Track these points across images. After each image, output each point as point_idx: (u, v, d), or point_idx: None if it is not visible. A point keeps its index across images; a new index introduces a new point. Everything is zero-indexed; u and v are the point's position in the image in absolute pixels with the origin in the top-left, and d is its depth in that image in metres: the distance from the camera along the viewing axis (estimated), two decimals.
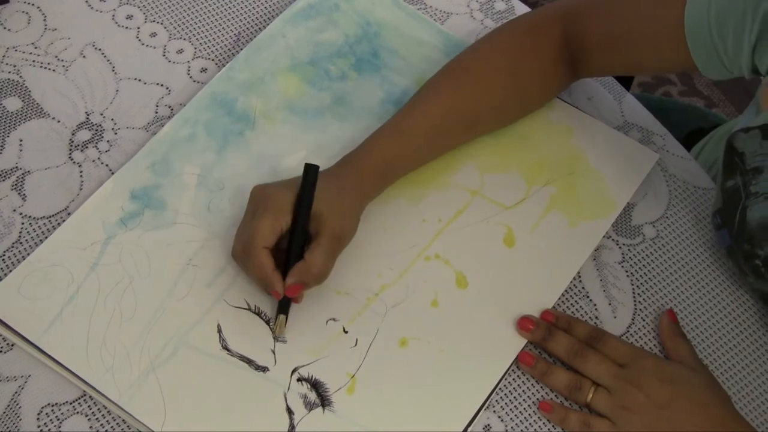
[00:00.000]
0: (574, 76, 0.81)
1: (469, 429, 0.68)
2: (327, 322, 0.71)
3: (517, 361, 0.71)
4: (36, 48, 0.81)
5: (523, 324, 0.71)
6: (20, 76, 0.80)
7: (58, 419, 0.65)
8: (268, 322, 0.70)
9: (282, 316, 0.68)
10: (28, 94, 0.79)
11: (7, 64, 0.80)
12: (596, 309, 0.75)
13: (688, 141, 0.99)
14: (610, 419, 0.68)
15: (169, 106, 0.80)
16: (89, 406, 0.66)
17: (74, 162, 0.76)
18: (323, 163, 0.75)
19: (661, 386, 0.67)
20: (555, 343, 0.71)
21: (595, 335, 0.71)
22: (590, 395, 0.68)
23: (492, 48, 0.78)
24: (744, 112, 0.74)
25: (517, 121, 0.81)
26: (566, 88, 0.83)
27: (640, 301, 0.76)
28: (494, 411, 0.70)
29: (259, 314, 0.70)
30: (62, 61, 0.81)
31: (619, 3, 0.74)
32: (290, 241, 0.68)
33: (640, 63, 0.77)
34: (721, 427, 0.66)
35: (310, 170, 0.69)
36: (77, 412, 0.66)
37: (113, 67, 0.82)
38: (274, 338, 0.69)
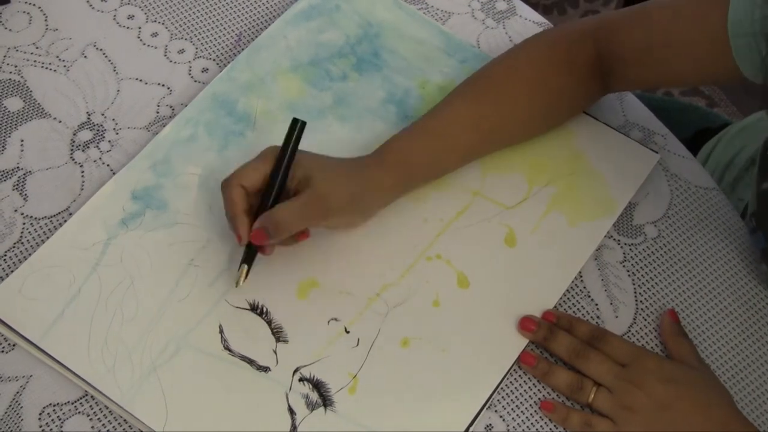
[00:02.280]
0: (605, 90, 0.80)
1: (471, 429, 0.68)
2: (329, 322, 0.71)
3: (519, 361, 0.71)
4: (37, 48, 0.81)
5: (525, 324, 0.71)
6: (21, 77, 0.80)
7: (59, 419, 0.66)
8: (270, 323, 0.70)
9: (244, 266, 0.68)
10: (30, 95, 0.79)
11: (8, 64, 0.80)
12: (598, 309, 0.75)
13: (696, 141, 0.99)
14: (611, 419, 0.68)
15: (171, 107, 0.80)
16: (91, 406, 0.66)
17: (76, 162, 0.76)
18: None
19: (663, 386, 0.67)
20: (556, 343, 0.71)
21: (597, 335, 0.71)
22: (592, 395, 0.68)
23: (521, 59, 0.77)
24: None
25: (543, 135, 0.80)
26: (596, 102, 0.82)
27: (641, 301, 0.76)
28: (496, 411, 0.70)
29: (261, 314, 0.70)
30: (63, 61, 0.81)
31: (657, 13, 0.73)
32: (265, 189, 0.68)
33: (680, 74, 0.75)
34: (723, 428, 0.66)
35: (294, 122, 0.69)
36: (79, 412, 0.66)
37: (114, 67, 0.82)
38: (236, 284, 0.69)
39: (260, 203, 0.68)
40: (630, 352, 0.70)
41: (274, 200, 0.68)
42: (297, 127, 0.70)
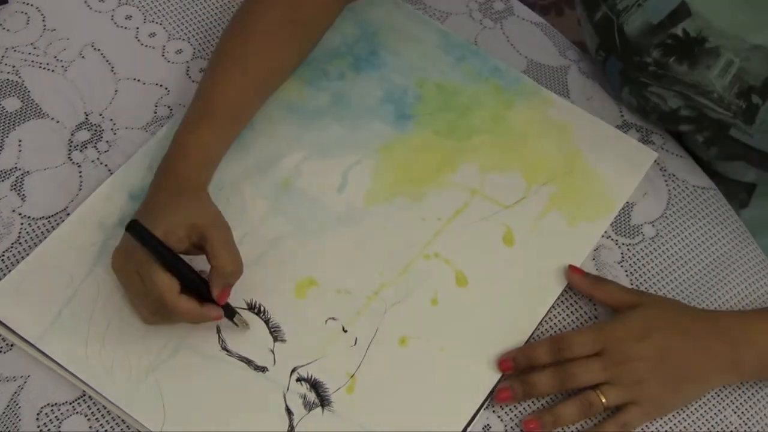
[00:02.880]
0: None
1: (469, 429, 0.68)
2: (326, 321, 0.71)
3: (495, 399, 0.69)
4: (35, 48, 0.81)
5: (501, 396, 0.69)
6: (19, 77, 0.80)
7: (57, 419, 0.65)
8: (267, 322, 0.70)
9: (237, 316, 0.68)
10: (27, 95, 0.79)
11: (6, 64, 0.80)
12: (595, 308, 0.75)
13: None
14: (630, 402, 0.67)
15: (168, 107, 0.80)
16: (89, 406, 0.66)
17: (73, 162, 0.76)
18: (324, 164, 0.75)
19: (646, 342, 0.68)
20: (536, 389, 0.68)
21: (557, 347, 0.69)
22: (603, 399, 0.67)
23: (256, 5, 0.77)
24: None
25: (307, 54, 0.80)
26: (341, 11, 0.81)
27: None
28: (494, 411, 0.70)
29: (258, 314, 0.70)
30: (61, 61, 0.81)
31: None
32: (179, 275, 0.64)
33: None
34: (710, 338, 0.69)
35: (132, 227, 0.64)
36: (77, 412, 0.66)
37: (112, 67, 0.82)
38: (246, 327, 0.69)
39: (185, 285, 0.65)
40: (595, 338, 0.68)
41: (192, 273, 0.65)
42: (138, 231, 0.64)
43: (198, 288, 0.65)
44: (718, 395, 0.72)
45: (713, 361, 0.69)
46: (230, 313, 0.68)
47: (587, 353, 0.68)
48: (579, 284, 0.74)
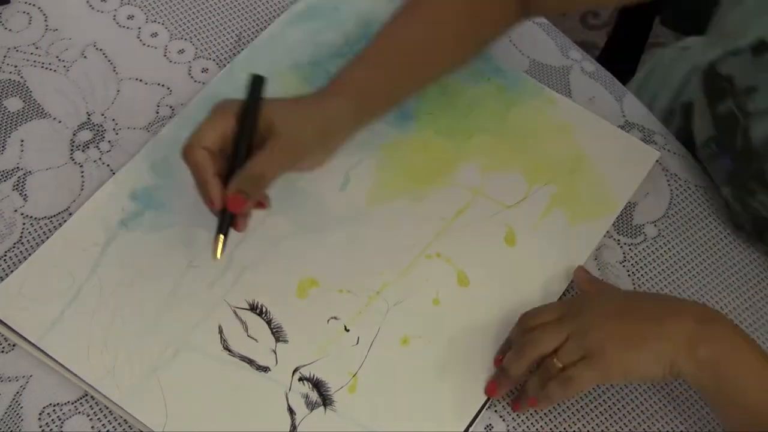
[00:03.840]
0: (525, 13, 0.76)
1: (471, 428, 0.68)
2: (328, 320, 0.71)
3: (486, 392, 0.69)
4: (37, 48, 0.82)
5: (490, 390, 0.69)
6: (21, 77, 0.80)
7: (59, 419, 0.65)
8: (269, 323, 0.70)
9: (220, 236, 0.63)
10: (29, 95, 0.79)
11: (8, 64, 0.80)
12: None
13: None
14: (584, 356, 0.63)
15: (171, 107, 0.80)
16: (91, 406, 0.66)
17: (75, 162, 0.76)
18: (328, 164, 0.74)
19: (608, 300, 0.67)
20: (512, 368, 0.67)
21: (522, 320, 0.68)
22: (556, 360, 0.64)
23: None
24: (687, 40, 0.74)
25: (475, 56, 0.77)
26: (517, 25, 0.78)
27: None
28: (496, 410, 0.70)
29: (260, 314, 0.70)
30: (63, 61, 0.81)
31: None
32: (233, 150, 0.63)
33: None
34: (686, 306, 0.66)
35: (253, 79, 0.65)
36: (79, 412, 0.66)
37: (114, 67, 0.82)
38: (213, 256, 0.64)
39: (230, 165, 0.63)
40: (558, 305, 0.69)
41: (242, 159, 0.63)
42: (258, 84, 0.64)
43: (232, 170, 0.62)
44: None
45: (682, 327, 0.62)
46: (223, 227, 0.63)
47: (550, 319, 0.66)
48: (580, 282, 0.74)
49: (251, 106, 0.64)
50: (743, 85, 0.70)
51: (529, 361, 0.65)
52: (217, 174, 0.62)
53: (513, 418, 0.69)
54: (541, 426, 0.69)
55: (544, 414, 0.70)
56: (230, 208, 0.62)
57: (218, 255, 0.63)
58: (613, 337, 0.62)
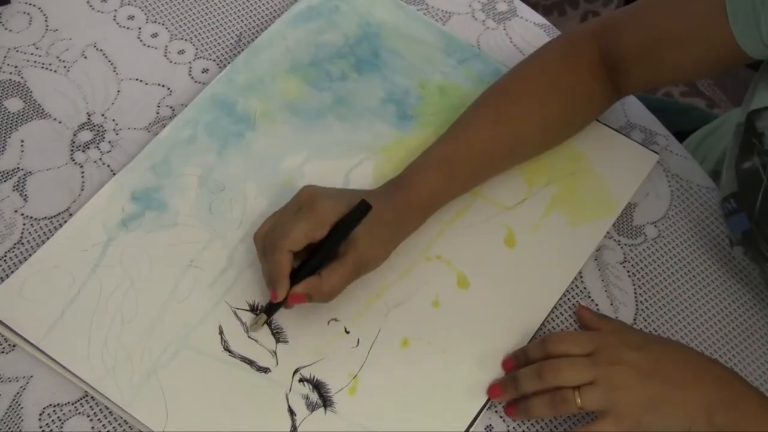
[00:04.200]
0: (616, 93, 0.79)
1: (471, 429, 0.68)
2: (329, 322, 0.71)
3: (488, 393, 0.69)
4: (37, 49, 0.81)
5: (493, 392, 0.69)
6: (22, 77, 0.80)
7: (60, 420, 0.66)
8: (269, 324, 0.70)
9: (263, 315, 0.68)
10: (30, 95, 0.79)
11: (8, 65, 0.80)
12: (598, 309, 0.75)
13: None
14: (606, 411, 0.64)
15: (171, 107, 0.80)
16: (91, 406, 0.66)
17: (76, 163, 0.76)
18: (326, 165, 0.75)
19: (639, 353, 0.66)
20: (524, 384, 0.67)
21: (548, 343, 0.68)
22: (578, 399, 0.65)
23: (530, 69, 0.78)
24: (751, 95, 0.72)
25: (561, 143, 0.80)
26: (609, 106, 0.81)
27: (641, 302, 0.76)
28: (496, 411, 0.70)
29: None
30: (63, 61, 0.81)
31: (656, 7, 0.73)
32: (312, 254, 0.67)
33: (683, 66, 0.74)
34: (707, 372, 0.66)
35: (362, 206, 0.67)
36: (79, 413, 0.66)
37: (114, 67, 0.82)
38: (245, 331, 0.69)
39: (302, 264, 0.67)
40: (588, 339, 0.67)
41: (319, 267, 0.66)
42: (363, 211, 0.67)
43: (301, 268, 0.67)
44: None
45: (702, 393, 0.65)
46: (271, 310, 0.68)
47: (577, 352, 0.66)
48: (587, 322, 0.73)
49: (348, 226, 0.67)
50: None
51: (546, 386, 0.66)
52: (289, 274, 0.66)
53: (513, 419, 0.69)
54: (540, 426, 0.69)
55: None
56: (291, 300, 0.66)
57: (256, 329, 0.69)
58: (640, 400, 0.64)
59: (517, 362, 0.70)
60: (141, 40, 0.84)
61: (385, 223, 0.69)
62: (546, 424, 0.70)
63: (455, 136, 0.75)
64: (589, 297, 0.75)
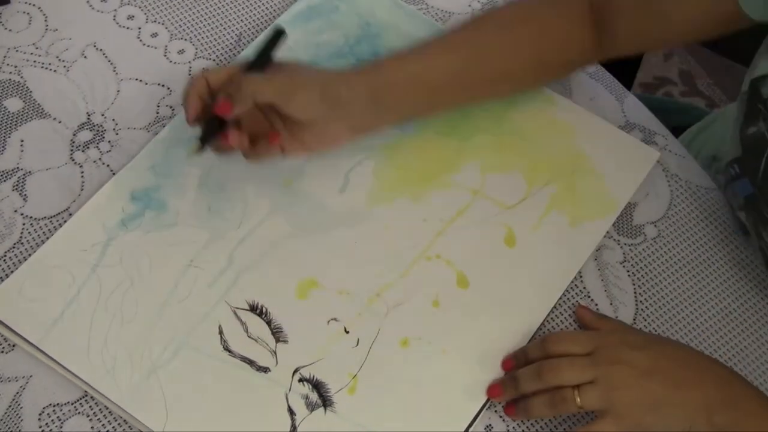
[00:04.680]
0: (600, 49, 0.76)
1: (471, 429, 0.68)
2: (328, 322, 0.71)
3: (488, 393, 0.69)
4: (37, 48, 0.82)
5: (493, 392, 0.69)
6: (21, 77, 0.80)
7: (59, 419, 0.66)
8: (269, 323, 0.70)
9: (197, 141, 0.68)
10: (29, 95, 0.79)
11: (8, 64, 0.80)
12: (597, 309, 0.75)
13: None
14: (606, 410, 0.64)
15: (171, 107, 0.80)
16: (90, 406, 0.66)
17: (75, 162, 0.76)
18: (326, 164, 0.75)
19: (639, 353, 0.65)
20: (524, 384, 0.67)
21: (548, 342, 0.68)
22: (578, 398, 0.64)
23: (520, 3, 0.76)
24: (755, 63, 0.71)
25: (537, 87, 0.79)
26: (592, 63, 0.79)
27: (641, 301, 0.76)
28: (496, 411, 0.70)
29: (260, 315, 0.70)
30: (63, 61, 0.81)
31: None
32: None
33: (671, 19, 0.71)
34: (710, 374, 0.66)
35: (277, 33, 0.70)
36: (78, 413, 0.66)
37: (114, 67, 0.82)
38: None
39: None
40: (588, 338, 0.67)
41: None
42: (276, 36, 0.68)
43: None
44: None
45: (703, 393, 0.64)
46: (205, 135, 0.68)
47: (577, 352, 0.66)
48: (586, 321, 0.73)
49: (265, 52, 0.68)
50: None
51: (546, 386, 0.66)
52: (201, 96, 0.67)
53: (513, 419, 0.69)
54: (540, 426, 0.70)
55: None
56: (218, 110, 0.66)
57: (193, 153, 0.68)
58: (640, 400, 0.64)
59: (516, 362, 0.70)
60: (141, 40, 0.84)
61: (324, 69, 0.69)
62: (546, 424, 0.70)
63: (429, 44, 0.74)
64: (589, 297, 0.75)
